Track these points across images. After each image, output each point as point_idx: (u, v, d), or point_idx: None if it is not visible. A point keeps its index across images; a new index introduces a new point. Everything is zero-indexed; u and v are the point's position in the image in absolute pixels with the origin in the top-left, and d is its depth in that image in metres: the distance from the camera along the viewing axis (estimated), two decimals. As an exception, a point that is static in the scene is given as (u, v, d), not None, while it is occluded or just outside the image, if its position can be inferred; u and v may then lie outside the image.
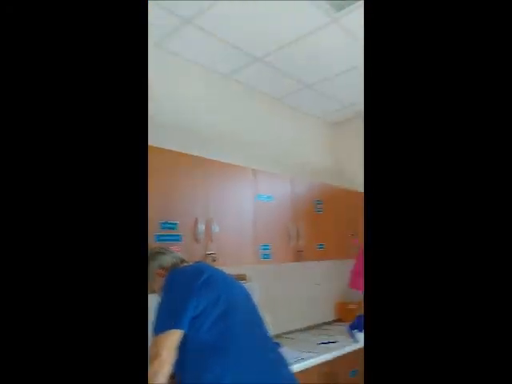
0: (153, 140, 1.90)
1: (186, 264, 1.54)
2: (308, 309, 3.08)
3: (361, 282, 1.66)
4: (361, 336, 1.27)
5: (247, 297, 1.54)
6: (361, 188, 3.09)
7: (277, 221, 2.47)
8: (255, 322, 1.47)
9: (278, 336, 2.64)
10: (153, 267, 1.51)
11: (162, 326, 1.27)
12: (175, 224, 1.87)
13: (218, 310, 1.34)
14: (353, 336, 2.28)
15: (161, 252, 1.58)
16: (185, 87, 2.51)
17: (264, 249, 2.34)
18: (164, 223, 1.82)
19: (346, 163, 3.58)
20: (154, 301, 1.33)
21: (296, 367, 1.95)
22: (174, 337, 1.26)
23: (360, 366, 2.22)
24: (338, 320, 3.28)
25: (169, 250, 1.60)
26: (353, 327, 2.33)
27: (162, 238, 1.80)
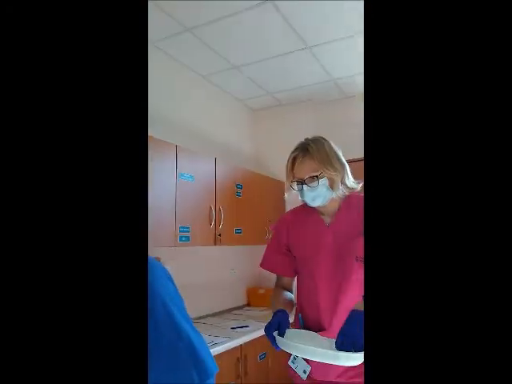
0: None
1: None
2: (221, 293, 3.05)
3: (272, 260, 1.42)
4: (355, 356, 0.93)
5: (168, 279, 1.45)
6: (279, 176, 3.14)
7: (199, 202, 2.38)
8: (176, 304, 1.39)
9: (195, 319, 2.57)
10: None
11: None
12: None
13: None
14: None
15: None
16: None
17: (183, 231, 2.24)
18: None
19: (265, 150, 3.61)
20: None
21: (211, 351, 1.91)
22: None
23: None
24: (248, 305, 3.33)
25: None
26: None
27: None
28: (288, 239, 1.37)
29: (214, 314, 2.88)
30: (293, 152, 1.28)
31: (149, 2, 2.05)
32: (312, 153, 1.23)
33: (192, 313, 2.65)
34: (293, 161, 1.26)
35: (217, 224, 2.49)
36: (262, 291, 3.27)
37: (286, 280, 1.42)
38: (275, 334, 1.10)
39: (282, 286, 1.41)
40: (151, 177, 2.03)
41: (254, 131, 3.67)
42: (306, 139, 1.30)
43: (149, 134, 2.06)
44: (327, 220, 1.31)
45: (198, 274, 2.80)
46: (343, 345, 0.99)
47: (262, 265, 1.45)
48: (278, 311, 1.17)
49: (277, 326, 1.12)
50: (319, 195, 1.23)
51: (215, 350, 2.03)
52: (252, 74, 2.96)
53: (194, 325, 1.22)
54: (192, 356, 1.26)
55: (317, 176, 1.21)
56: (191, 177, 2.32)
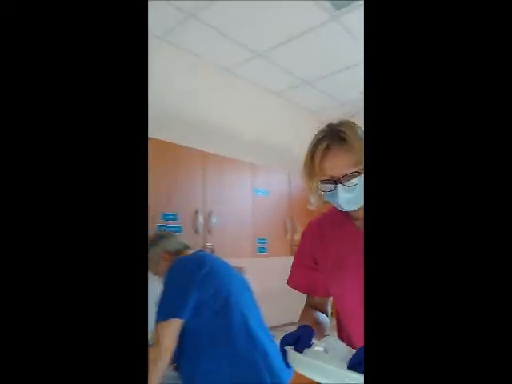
0: (154, 133, 1.93)
1: (189, 251, 1.57)
2: (300, 303, 3.12)
3: (298, 276, 1.16)
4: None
5: (246, 289, 1.58)
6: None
7: (274, 215, 2.51)
8: (254, 314, 1.50)
9: (271, 328, 2.69)
10: (158, 251, 1.54)
11: (164, 314, 1.30)
12: (175, 215, 1.90)
13: (217, 302, 1.38)
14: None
15: (164, 236, 1.60)
16: (186, 80, 2.53)
17: (261, 242, 2.38)
18: (165, 214, 1.85)
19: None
20: (156, 286, 1.36)
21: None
22: (174, 325, 1.29)
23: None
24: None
25: (173, 235, 1.62)
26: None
27: (163, 228, 1.83)
28: (316, 251, 1.11)
29: (295, 323, 2.96)
30: (319, 141, 0.98)
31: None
32: (350, 142, 0.93)
33: (271, 322, 2.78)
34: (323, 153, 0.96)
35: (292, 235, 2.59)
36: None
37: (317, 300, 1.14)
38: (289, 348, 0.86)
39: (313, 307, 1.13)
40: (228, 194, 2.22)
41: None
42: (332, 124, 1.00)
43: (224, 154, 2.26)
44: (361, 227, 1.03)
45: (277, 284, 2.91)
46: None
47: (288, 282, 1.18)
48: (302, 326, 0.92)
49: (295, 340, 0.87)
50: (357, 197, 0.95)
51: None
52: (324, 86, 3.03)
53: (273, 333, 1.31)
54: (266, 364, 1.36)
55: (357, 172, 0.93)
56: (266, 191, 2.46)
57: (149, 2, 1.98)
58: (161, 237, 1.59)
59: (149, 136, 1.85)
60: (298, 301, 3.22)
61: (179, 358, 1.36)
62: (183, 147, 2.02)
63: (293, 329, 0.92)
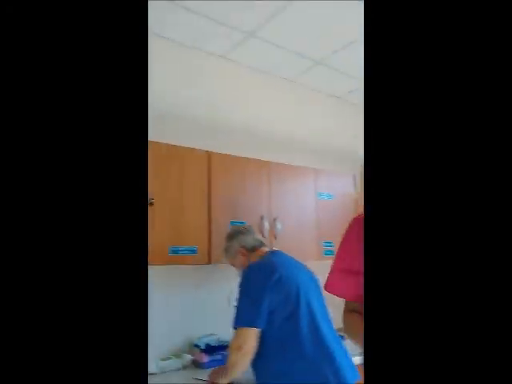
0: (223, 147, 2.11)
1: (264, 248, 1.67)
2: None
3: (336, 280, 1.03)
4: None
5: (316, 288, 1.64)
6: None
7: (338, 218, 2.55)
8: (322, 316, 1.56)
9: (341, 329, 2.72)
10: (235, 245, 1.67)
11: (243, 322, 1.42)
12: (243, 223, 2.04)
13: (288, 308, 1.46)
14: None
15: (243, 232, 1.71)
16: (252, 94, 2.67)
17: (327, 245, 2.44)
18: (233, 222, 2.00)
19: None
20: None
21: (359, 359, 2.03)
22: (255, 333, 1.41)
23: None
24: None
25: (251, 232, 1.72)
26: None
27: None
28: (357, 251, 0.91)
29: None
30: None
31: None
32: None
33: (338, 324, 2.79)
34: None
35: (359, 238, 2.60)
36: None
37: (357, 304, 1.01)
38: None
39: (356, 311, 1.01)
40: (292, 199, 2.31)
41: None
42: None
43: (288, 161, 2.36)
44: None
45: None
46: None
47: (325, 287, 1.06)
48: None
49: None
50: None
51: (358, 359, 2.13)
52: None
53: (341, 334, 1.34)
54: (332, 366, 1.42)
55: None
56: (330, 195, 2.51)
57: (206, 23, 2.14)
58: (239, 232, 1.70)
59: (215, 151, 2.02)
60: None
61: (254, 360, 1.47)
62: (249, 159, 2.17)
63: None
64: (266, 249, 1.67)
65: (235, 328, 1.44)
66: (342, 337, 1.61)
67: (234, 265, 1.69)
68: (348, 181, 2.67)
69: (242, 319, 1.43)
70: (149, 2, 1.84)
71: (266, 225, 2.13)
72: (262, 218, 2.13)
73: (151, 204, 1.69)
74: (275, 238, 2.16)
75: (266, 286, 1.45)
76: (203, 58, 2.46)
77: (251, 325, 1.41)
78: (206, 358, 1.94)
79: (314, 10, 2.05)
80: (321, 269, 2.67)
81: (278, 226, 2.18)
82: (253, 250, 1.65)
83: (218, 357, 1.96)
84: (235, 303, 1.49)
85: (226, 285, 2.29)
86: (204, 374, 1.83)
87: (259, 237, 1.72)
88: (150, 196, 1.72)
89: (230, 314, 2.20)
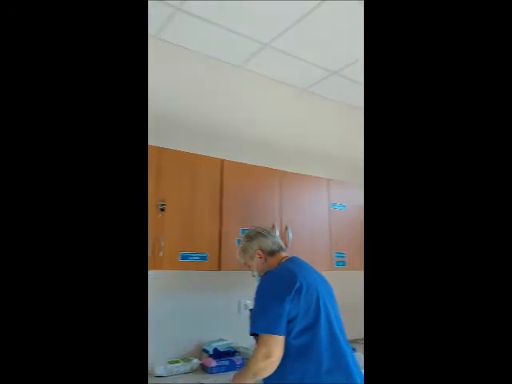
0: (236, 156, 2.14)
1: (283, 253, 1.66)
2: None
3: None
4: None
5: (332, 301, 1.62)
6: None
7: (351, 229, 2.54)
8: (339, 327, 1.54)
9: (353, 341, 2.69)
10: (253, 246, 1.65)
11: (267, 328, 1.40)
12: (254, 231, 2.06)
13: (306, 319, 1.44)
14: None
15: (263, 234, 1.68)
16: (266, 104, 2.71)
17: (339, 256, 2.43)
18: (244, 229, 2.02)
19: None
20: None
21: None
22: (281, 340, 1.39)
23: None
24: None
25: (272, 235, 1.69)
26: None
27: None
28: None
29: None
30: None
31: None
32: None
33: (354, 334, 2.77)
34: None
35: (372, 249, 2.59)
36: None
37: None
38: None
39: None
40: (304, 209, 2.33)
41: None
42: None
43: (301, 172, 2.38)
44: None
45: (354, 297, 2.90)
46: None
47: None
48: None
49: None
50: None
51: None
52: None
53: (357, 345, 1.31)
54: (348, 379, 1.40)
55: None
56: (344, 206, 2.51)
57: (225, 31, 2.20)
58: (260, 234, 1.67)
59: (229, 159, 2.06)
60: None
61: None
62: (261, 167, 2.20)
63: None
64: (284, 254, 1.66)
65: (255, 334, 1.43)
66: (353, 349, 1.60)
67: (249, 265, 1.67)
68: (362, 192, 2.66)
69: (266, 326, 1.41)
70: (168, 19, 1.90)
71: (277, 233, 2.15)
72: (273, 226, 2.15)
73: (163, 210, 1.74)
74: (286, 246, 2.17)
75: (287, 295, 1.43)
76: (220, 68, 2.52)
77: (277, 332, 1.39)
78: (213, 363, 1.96)
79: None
80: (332, 279, 2.67)
81: (290, 234, 2.20)
82: (271, 253, 1.63)
83: (226, 362, 1.98)
84: (251, 308, 1.48)
85: (236, 291, 2.31)
86: (210, 379, 1.85)
87: (279, 241, 1.70)
88: (162, 202, 1.77)
89: (240, 319, 2.25)
